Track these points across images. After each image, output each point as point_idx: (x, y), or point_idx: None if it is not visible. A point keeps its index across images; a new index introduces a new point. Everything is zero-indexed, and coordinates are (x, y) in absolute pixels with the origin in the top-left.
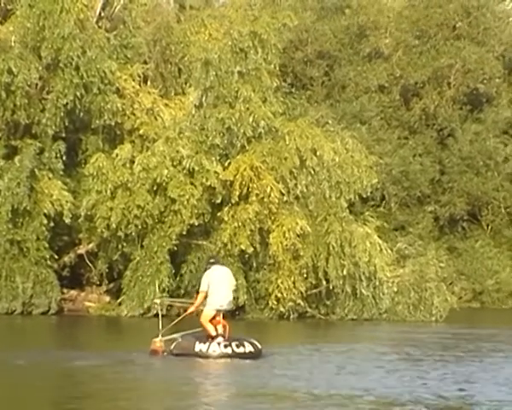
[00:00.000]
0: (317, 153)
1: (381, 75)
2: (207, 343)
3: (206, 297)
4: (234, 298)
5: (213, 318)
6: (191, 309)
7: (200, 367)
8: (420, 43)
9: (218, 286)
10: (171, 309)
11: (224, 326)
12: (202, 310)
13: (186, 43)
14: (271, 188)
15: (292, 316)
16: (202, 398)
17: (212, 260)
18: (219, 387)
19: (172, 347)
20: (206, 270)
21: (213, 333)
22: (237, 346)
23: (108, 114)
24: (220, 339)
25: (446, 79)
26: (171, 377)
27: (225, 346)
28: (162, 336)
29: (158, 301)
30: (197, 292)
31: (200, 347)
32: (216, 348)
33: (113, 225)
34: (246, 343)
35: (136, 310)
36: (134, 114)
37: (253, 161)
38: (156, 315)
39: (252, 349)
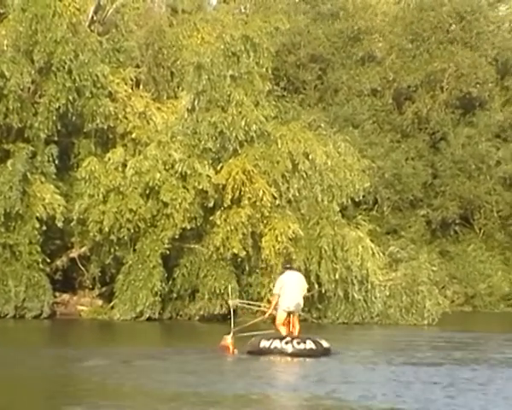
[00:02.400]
0: (310, 157)
1: (373, 79)
2: (270, 341)
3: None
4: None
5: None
6: (268, 312)
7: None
8: (413, 46)
9: (288, 289)
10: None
11: (293, 325)
12: (275, 313)
13: (178, 47)
14: (264, 192)
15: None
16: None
17: (287, 266)
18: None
19: (247, 344)
20: (280, 274)
21: (283, 334)
22: (298, 343)
23: (101, 117)
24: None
25: (439, 82)
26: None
27: (286, 343)
28: (234, 334)
29: (231, 301)
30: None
31: (264, 344)
32: (277, 344)
33: (106, 229)
34: (308, 341)
35: (129, 314)
36: (126, 118)
37: (245, 164)
38: (229, 314)
39: (313, 347)
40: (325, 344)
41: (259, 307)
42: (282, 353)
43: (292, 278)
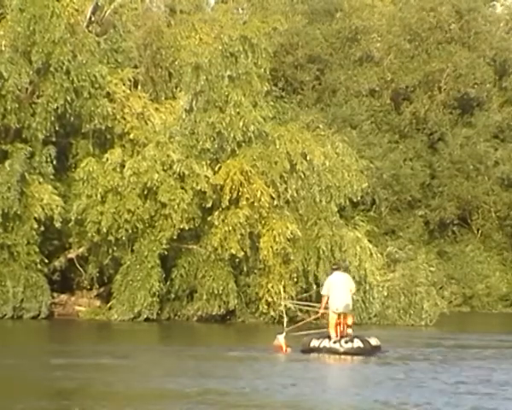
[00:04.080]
0: (308, 157)
1: (371, 79)
2: (320, 340)
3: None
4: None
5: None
6: (320, 312)
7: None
8: (411, 47)
9: (336, 291)
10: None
11: (344, 325)
12: (326, 313)
13: (176, 48)
14: (262, 192)
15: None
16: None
17: (334, 267)
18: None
19: (300, 343)
20: (328, 275)
21: (333, 337)
22: (346, 342)
23: (99, 118)
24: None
25: (437, 83)
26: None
27: (334, 342)
28: (287, 333)
29: (284, 302)
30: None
31: (314, 343)
32: (326, 343)
33: (104, 230)
34: (356, 340)
35: (127, 314)
36: (124, 119)
37: (243, 165)
38: (282, 315)
39: (360, 345)
40: (373, 342)
41: (311, 307)
42: (330, 352)
43: (339, 279)
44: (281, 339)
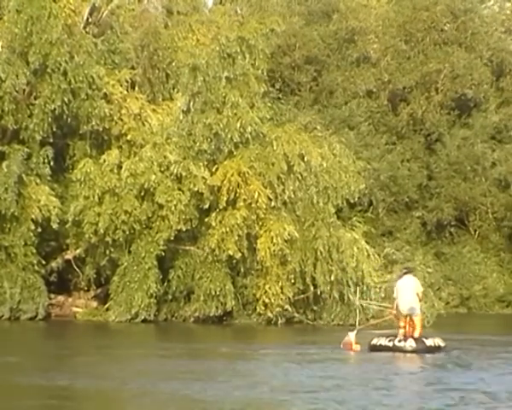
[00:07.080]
0: (305, 158)
1: (368, 80)
2: (378, 338)
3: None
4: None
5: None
6: (391, 314)
7: None
8: (408, 47)
9: (402, 293)
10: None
11: (410, 326)
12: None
13: (174, 49)
14: (259, 193)
15: (280, 321)
16: None
17: (404, 271)
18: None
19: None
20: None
21: (400, 335)
22: (399, 341)
23: (96, 119)
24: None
25: (434, 84)
26: None
27: (389, 341)
28: (358, 331)
29: (358, 301)
30: None
31: (374, 341)
32: (382, 342)
33: (101, 231)
34: (410, 339)
35: (124, 316)
36: (121, 120)
37: (240, 166)
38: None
39: (413, 345)
40: (429, 343)
41: (381, 306)
42: (385, 349)
43: (405, 283)
44: (351, 336)
